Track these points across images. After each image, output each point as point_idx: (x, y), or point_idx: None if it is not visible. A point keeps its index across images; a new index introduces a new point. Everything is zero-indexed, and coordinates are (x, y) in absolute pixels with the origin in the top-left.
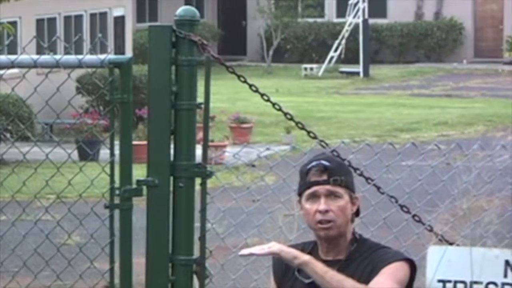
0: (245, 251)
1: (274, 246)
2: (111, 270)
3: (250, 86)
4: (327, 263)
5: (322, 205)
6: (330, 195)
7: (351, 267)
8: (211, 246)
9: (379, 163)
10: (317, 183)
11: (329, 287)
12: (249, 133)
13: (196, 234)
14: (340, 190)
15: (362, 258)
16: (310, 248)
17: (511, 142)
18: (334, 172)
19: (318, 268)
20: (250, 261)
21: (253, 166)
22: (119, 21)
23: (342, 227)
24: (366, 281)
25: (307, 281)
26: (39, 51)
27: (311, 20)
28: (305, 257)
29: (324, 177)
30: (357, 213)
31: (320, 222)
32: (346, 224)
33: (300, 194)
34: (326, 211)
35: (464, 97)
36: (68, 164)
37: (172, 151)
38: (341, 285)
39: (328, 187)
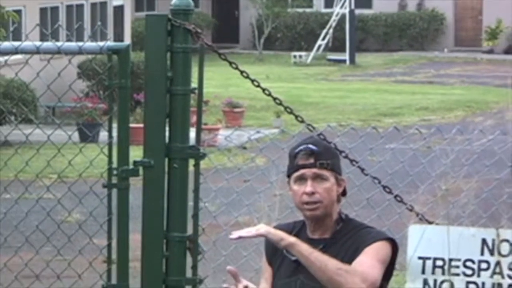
0: (234, 235)
1: (261, 229)
2: (109, 246)
3: (241, 72)
4: (314, 241)
5: (308, 187)
6: (317, 177)
7: (336, 245)
8: (203, 224)
9: (363, 146)
10: (304, 166)
11: (313, 267)
12: (241, 117)
13: (190, 212)
14: (326, 173)
15: (347, 237)
16: (299, 227)
17: (488, 126)
18: (320, 155)
19: (303, 249)
20: (240, 240)
21: (245, 148)
22: (119, 10)
23: (328, 208)
24: (350, 259)
25: (293, 258)
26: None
27: (300, 10)
28: (291, 239)
29: (311, 161)
30: (343, 194)
31: (306, 203)
32: (331, 204)
33: (288, 176)
34: (312, 193)
35: (445, 84)
36: (68, 145)
37: (167, 134)
38: (325, 265)
39: (314, 170)
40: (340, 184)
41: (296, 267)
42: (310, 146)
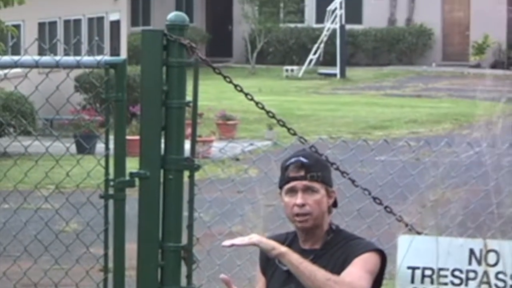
0: (227, 243)
1: (254, 238)
2: (106, 255)
3: (235, 86)
4: (305, 251)
5: (299, 199)
6: (307, 189)
7: (326, 256)
8: (198, 234)
9: (354, 158)
10: (295, 178)
11: (303, 277)
12: (234, 129)
13: (184, 223)
14: (316, 185)
15: (337, 248)
16: (291, 238)
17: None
18: (311, 168)
19: (293, 259)
20: (234, 249)
21: (237, 160)
22: (115, 25)
23: (318, 219)
24: (340, 269)
25: (284, 268)
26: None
27: (292, 25)
28: (282, 249)
29: (302, 173)
30: (334, 205)
31: (297, 215)
32: (322, 216)
33: (280, 188)
34: (303, 205)
35: (433, 97)
36: (66, 157)
37: (162, 146)
38: (314, 275)
39: (305, 182)
40: (330, 195)
41: (287, 277)
42: (301, 158)
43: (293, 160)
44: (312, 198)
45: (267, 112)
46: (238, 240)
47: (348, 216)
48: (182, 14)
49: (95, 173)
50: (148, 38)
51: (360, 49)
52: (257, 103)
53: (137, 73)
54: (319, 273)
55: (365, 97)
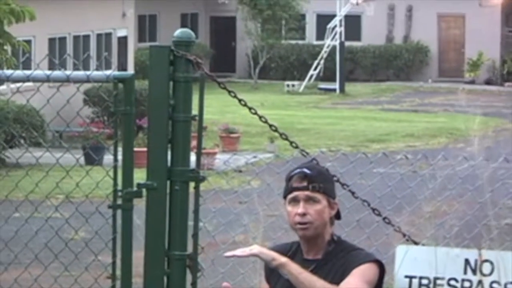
0: (229, 253)
1: (254, 249)
2: (113, 263)
3: (240, 100)
4: (308, 261)
5: (300, 208)
6: (309, 200)
7: (327, 266)
8: (202, 243)
9: (353, 170)
10: (298, 189)
11: (302, 287)
12: (237, 142)
13: (190, 232)
14: (318, 195)
15: (338, 258)
16: (295, 247)
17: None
18: (313, 179)
19: (293, 269)
20: (237, 258)
21: (240, 171)
22: (122, 41)
23: (319, 229)
24: (339, 279)
25: (286, 277)
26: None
27: (293, 42)
28: (282, 260)
29: (304, 184)
30: (338, 216)
31: (299, 223)
32: (323, 226)
33: (284, 197)
34: (304, 214)
35: (429, 112)
36: (76, 168)
37: (169, 158)
38: (313, 285)
39: (307, 192)
40: (332, 207)
41: (289, 286)
42: (305, 170)
43: (297, 171)
44: (314, 208)
45: (270, 125)
46: (239, 252)
47: (348, 226)
48: (188, 31)
49: (103, 183)
50: (155, 53)
51: (359, 65)
52: (260, 117)
53: (144, 88)
54: (318, 283)
55: (364, 111)
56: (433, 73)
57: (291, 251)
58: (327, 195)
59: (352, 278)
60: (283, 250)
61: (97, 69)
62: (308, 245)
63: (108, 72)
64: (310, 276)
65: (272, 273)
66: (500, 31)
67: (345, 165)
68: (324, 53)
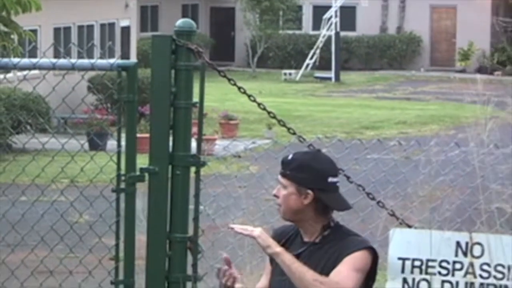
0: (234, 226)
1: (256, 231)
2: (117, 245)
3: (239, 88)
4: (305, 243)
5: (275, 190)
6: (280, 184)
7: (321, 250)
8: (203, 226)
9: (348, 156)
10: (280, 172)
11: (293, 277)
12: (236, 128)
13: (190, 215)
14: (284, 181)
15: (333, 243)
16: (296, 229)
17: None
18: (287, 165)
19: (286, 259)
20: (236, 240)
21: (239, 157)
22: (125, 31)
23: (287, 214)
24: (332, 265)
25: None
26: (56, 55)
27: (290, 32)
28: (277, 249)
29: (282, 169)
30: (323, 207)
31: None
32: (292, 212)
33: None
34: (276, 196)
35: (421, 100)
36: (80, 153)
37: (170, 144)
38: (303, 275)
39: (279, 177)
40: (305, 196)
41: None
42: (289, 156)
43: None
44: (282, 193)
45: (269, 112)
46: (241, 228)
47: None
48: (189, 21)
49: (107, 168)
50: (158, 43)
51: (353, 55)
52: (259, 104)
53: (146, 76)
54: (308, 274)
55: (358, 99)
56: (425, 63)
57: (293, 232)
58: (295, 182)
59: (343, 267)
60: (287, 230)
61: (101, 58)
62: (300, 228)
63: (111, 60)
64: (301, 266)
65: None
66: (490, 22)
67: (340, 151)
68: (320, 43)
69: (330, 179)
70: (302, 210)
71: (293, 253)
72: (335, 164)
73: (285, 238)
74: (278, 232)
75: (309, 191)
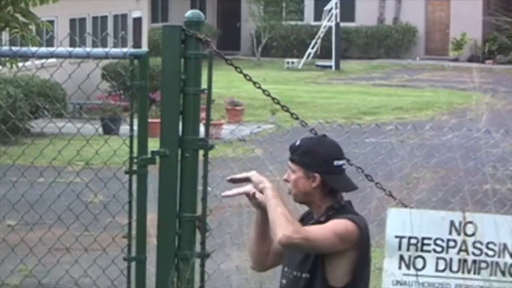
0: (228, 192)
1: (250, 173)
2: (129, 224)
3: (245, 75)
4: (317, 221)
5: (285, 175)
6: (290, 169)
7: None
8: (210, 206)
9: (348, 140)
10: (289, 158)
11: (269, 209)
12: (241, 114)
13: (199, 196)
14: (293, 166)
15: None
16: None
17: (453, 124)
18: (294, 151)
19: (270, 194)
20: (242, 218)
21: (245, 141)
22: (137, 22)
23: (298, 196)
24: None
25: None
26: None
27: (293, 22)
28: (267, 184)
29: (290, 155)
30: (332, 189)
31: None
32: (301, 194)
33: None
34: (286, 180)
35: (416, 87)
36: (94, 137)
37: (180, 128)
38: (276, 207)
39: (289, 163)
40: (313, 179)
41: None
42: (297, 142)
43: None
44: (292, 177)
45: (273, 98)
46: (234, 191)
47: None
48: (198, 12)
49: (120, 151)
50: (168, 33)
51: (352, 44)
52: (263, 91)
53: (157, 64)
54: (281, 207)
55: (357, 86)
56: (420, 52)
57: (310, 213)
58: (303, 167)
59: (322, 226)
60: (308, 211)
61: (114, 47)
62: (311, 209)
63: (124, 49)
64: (280, 202)
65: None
66: (482, 13)
67: (340, 135)
68: (321, 33)
69: (336, 162)
70: (310, 192)
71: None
72: (340, 148)
73: (303, 215)
74: (303, 213)
75: (316, 175)
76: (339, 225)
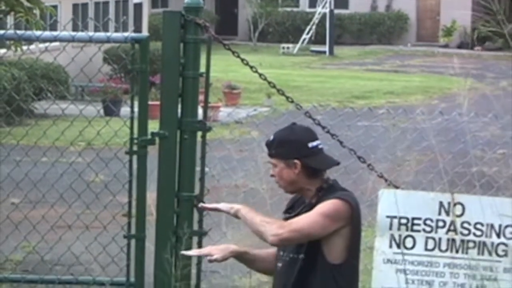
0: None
1: (220, 204)
2: (129, 203)
3: (242, 60)
4: (308, 204)
5: (271, 171)
6: (272, 164)
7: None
8: (208, 186)
9: (341, 123)
10: (267, 155)
11: (248, 224)
12: (238, 97)
13: (197, 176)
14: (273, 160)
15: (322, 200)
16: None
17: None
18: (269, 147)
19: (244, 212)
20: (238, 198)
21: (241, 123)
22: (138, 7)
23: (287, 187)
24: None
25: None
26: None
27: (288, 9)
28: (236, 207)
29: (268, 151)
30: (312, 170)
31: None
32: (290, 184)
33: None
34: (272, 176)
35: (407, 72)
36: (96, 118)
37: (179, 110)
38: (254, 220)
39: (269, 158)
40: (294, 166)
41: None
42: (270, 138)
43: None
44: (276, 171)
45: (269, 82)
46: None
47: (336, 172)
48: None
49: (121, 132)
50: (168, 18)
51: (346, 31)
52: (260, 75)
53: (157, 48)
54: (257, 218)
55: (350, 71)
56: (411, 38)
57: (301, 197)
58: (282, 158)
59: (308, 213)
60: (297, 197)
61: (115, 32)
62: (302, 195)
63: (125, 34)
64: (255, 215)
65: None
66: (471, 1)
67: (334, 118)
68: (315, 20)
69: (310, 144)
70: (296, 180)
71: (294, 212)
72: (311, 131)
73: (292, 202)
74: (292, 199)
75: (296, 161)
76: (327, 206)
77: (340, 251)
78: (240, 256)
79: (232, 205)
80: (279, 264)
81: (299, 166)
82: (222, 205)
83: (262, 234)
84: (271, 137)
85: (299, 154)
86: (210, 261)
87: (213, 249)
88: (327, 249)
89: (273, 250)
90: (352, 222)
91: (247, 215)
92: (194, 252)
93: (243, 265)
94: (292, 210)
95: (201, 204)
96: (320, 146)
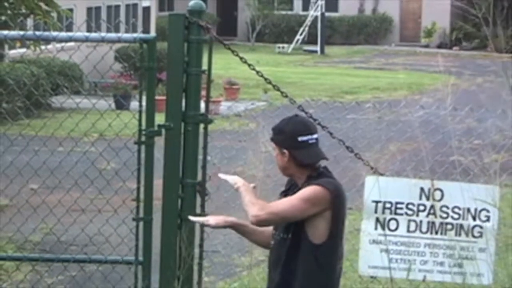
0: (221, 176)
1: (229, 177)
2: (138, 188)
3: (241, 58)
4: (298, 189)
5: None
6: (273, 148)
7: None
8: (209, 173)
9: (331, 116)
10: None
11: (242, 202)
12: (237, 92)
13: (199, 164)
14: (273, 145)
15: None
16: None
17: (424, 103)
18: (272, 132)
19: (242, 189)
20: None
21: (240, 116)
22: (146, 10)
23: (282, 170)
24: None
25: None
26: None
27: (283, 12)
28: (239, 184)
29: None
30: (299, 162)
31: None
32: (281, 169)
33: None
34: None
35: (392, 70)
36: (108, 111)
37: (183, 104)
38: (243, 199)
39: (272, 142)
40: (284, 155)
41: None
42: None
43: None
44: (274, 155)
45: (265, 79)
46: (225, 176)
47: (327, 161)
48: (200, 2)
49: (130, 124)
50: (173, 20)
51: (336, 32)
52: (257, 72)
53: (163, 48)
54: (247, 197)
55: (339, 69)
56: (395, 39)
57: (293, 182)
58: (277, 145)
59: (289, 197)
60: (291, 179)
61: (126, 32)
62: (294, 180)
63: (135, 35)
64: (249, 194)
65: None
66: (450, 5)
67: (325, 111)
68: (308, 22)
69: (300, 138)
70: (286, 166)
71: (287, 195)
72: (307, 125)
73: (289, 184)
74: (288, 181)
75: (285, 151)
76: (307, 191)
77: (322, 233)
78: (239, 228)
79: (237, 181)
80: (273, 242)
81: (287, 156)
82: (230, 178)
83: (247, 213)
84: (274, 125)
85: (288, 145)
86: (204, 225)
87: (210, 217)
88: (311, 230)
89: (266, 229)
90: (333, 206)
91: (242, 193)
92: (195, 218)
93: (243, 237)
94: (287, 192)
95: (219, 174)
96: (311, 141)
